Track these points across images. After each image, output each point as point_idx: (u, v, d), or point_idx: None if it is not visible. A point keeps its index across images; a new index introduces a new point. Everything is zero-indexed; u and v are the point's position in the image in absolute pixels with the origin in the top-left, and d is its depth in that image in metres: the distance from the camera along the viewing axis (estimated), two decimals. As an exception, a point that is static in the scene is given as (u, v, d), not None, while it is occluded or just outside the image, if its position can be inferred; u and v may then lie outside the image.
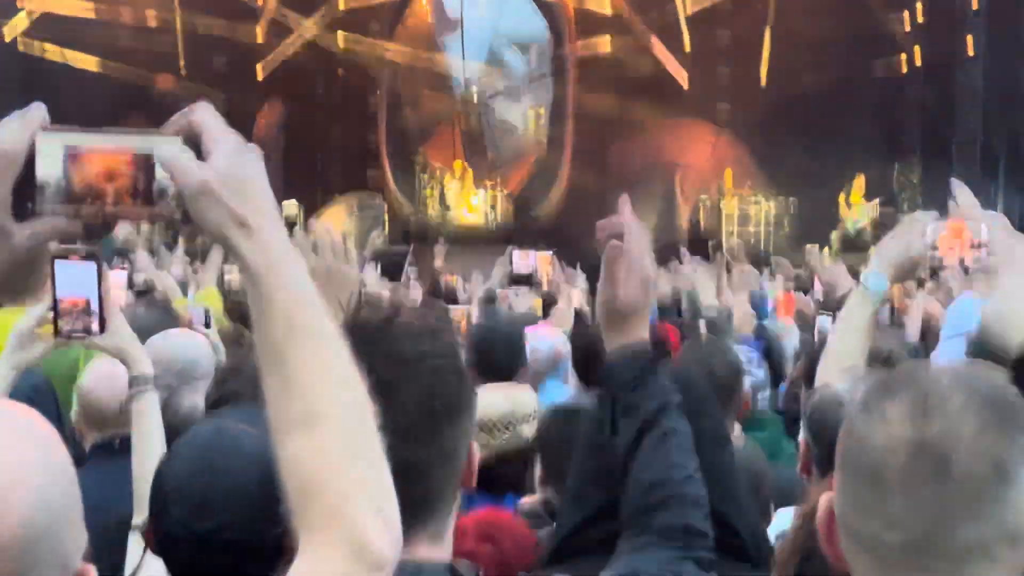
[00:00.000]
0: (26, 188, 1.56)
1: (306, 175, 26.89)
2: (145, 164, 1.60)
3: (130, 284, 9.26)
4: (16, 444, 1.43)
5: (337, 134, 28.64)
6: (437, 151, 28.30)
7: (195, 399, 4.21)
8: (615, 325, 2.65)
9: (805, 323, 8.67)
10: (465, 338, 5.57)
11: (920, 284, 10.07)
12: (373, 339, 2.18)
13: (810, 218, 25.60)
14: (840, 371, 3.49)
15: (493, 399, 4.30)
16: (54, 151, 1.57)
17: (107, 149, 1.59)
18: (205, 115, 1.63)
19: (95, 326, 3.33)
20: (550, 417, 4.17)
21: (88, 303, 3.30)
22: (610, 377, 2.64)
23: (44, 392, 4.26)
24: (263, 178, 1.64)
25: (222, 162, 1.60)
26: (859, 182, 25.48)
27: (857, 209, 25.28)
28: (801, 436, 3.73)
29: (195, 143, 1.62)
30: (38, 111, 1.59)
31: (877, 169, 25.88)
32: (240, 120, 24.36)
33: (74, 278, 3.26)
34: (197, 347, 4.66)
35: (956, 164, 23.87)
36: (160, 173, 1.60)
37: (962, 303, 5.30)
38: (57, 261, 3.24)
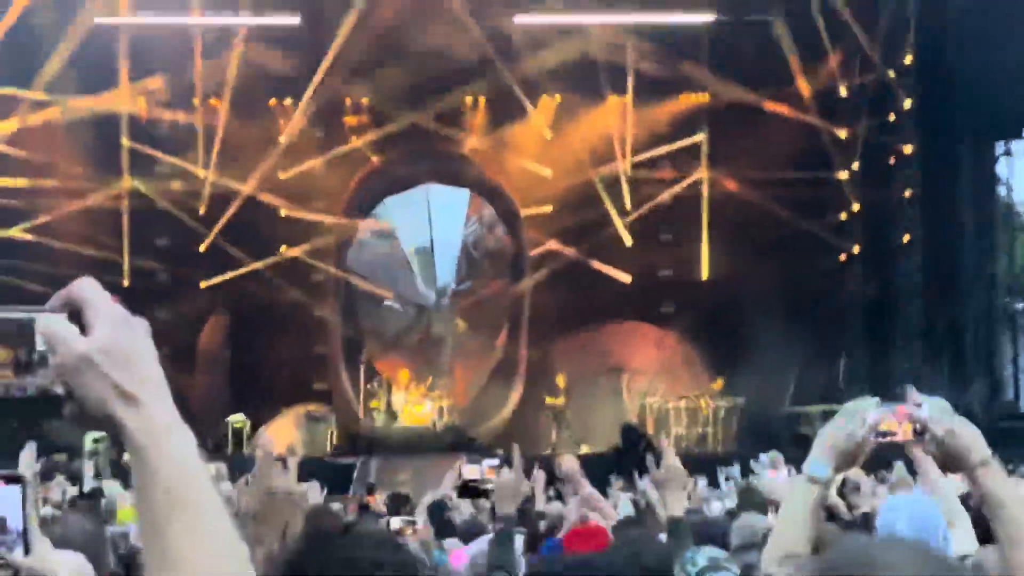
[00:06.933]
0: None
1: (252, 387, 26.70)
2: (25, 334, 1.56)
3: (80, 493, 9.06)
4: None
5: (284, 345, 28.55)
6: (385, 361, 28.27)
7: None
8: None
9: None
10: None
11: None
12: (332, 545, 2.19)
13: (758, 417, 25.54)
14: (781, 560, 3.38)
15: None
16: None
17: None
18: (87, 289, 1.58)
19: (19, 550, 3.25)
20: None
21: (13, 527, 3.22)
22: None
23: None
24: (150, 350, 1.58)
25: (105, 334, 1.55)
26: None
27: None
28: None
29: (79, 319, 1.57)
30: None
31: (823, 366, 26.04)
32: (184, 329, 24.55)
33: None
34: None
35: (899, 357, 24.16)
36: (41, 345, 1.56)
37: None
38: None
